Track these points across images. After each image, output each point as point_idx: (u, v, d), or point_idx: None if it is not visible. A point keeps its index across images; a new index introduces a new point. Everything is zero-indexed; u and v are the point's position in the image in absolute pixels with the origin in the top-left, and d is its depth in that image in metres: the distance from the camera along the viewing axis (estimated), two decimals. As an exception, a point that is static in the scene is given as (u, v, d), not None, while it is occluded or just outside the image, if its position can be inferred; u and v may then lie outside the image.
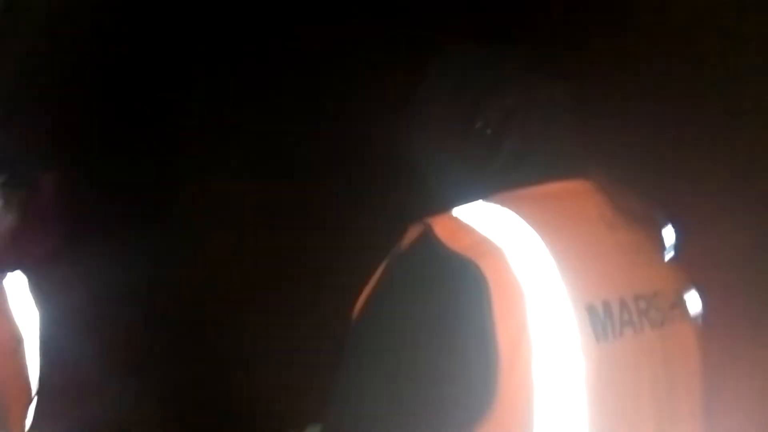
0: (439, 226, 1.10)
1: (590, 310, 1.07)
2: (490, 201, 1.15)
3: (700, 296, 1.28)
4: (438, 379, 1.04)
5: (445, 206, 1.16)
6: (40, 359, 1.41)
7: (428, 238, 1.09)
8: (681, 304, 1.22)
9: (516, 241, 1.08)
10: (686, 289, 1.26)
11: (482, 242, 1.08)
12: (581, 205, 1.19)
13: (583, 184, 1.21)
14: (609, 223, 1.18)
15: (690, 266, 1.29)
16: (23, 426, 1.41)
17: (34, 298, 1.43)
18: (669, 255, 1.27)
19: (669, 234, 1.27)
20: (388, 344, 1.06)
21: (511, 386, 1.03)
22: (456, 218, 1.12)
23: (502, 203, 1.14)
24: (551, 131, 1.22)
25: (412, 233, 1.12)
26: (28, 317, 1.42)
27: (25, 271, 1.37)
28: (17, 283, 1.41)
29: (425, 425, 1.04)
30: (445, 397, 1.04)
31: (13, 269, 1.34)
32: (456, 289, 1.05)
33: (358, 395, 1.07)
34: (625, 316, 1.11)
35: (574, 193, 1.20)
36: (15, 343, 1.37)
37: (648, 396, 1.12)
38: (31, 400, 1.41)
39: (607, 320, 1.08)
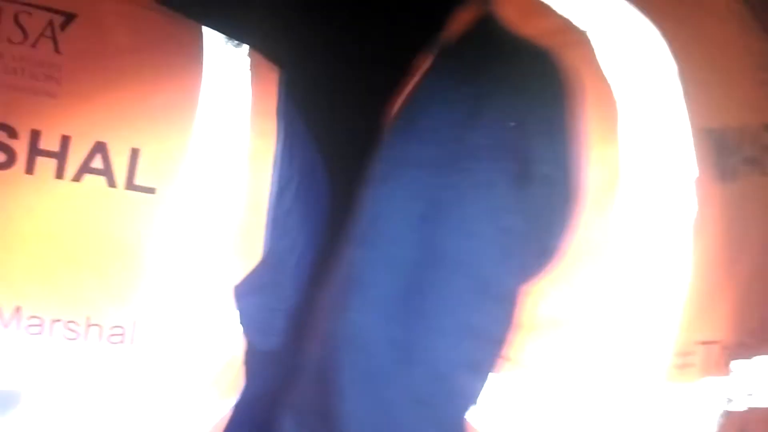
0: (503, 4, 0.82)
1: (712, 137, 0.80)
2: None
3: None
4: (482, 226, 0.79)
5: None
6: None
7: (489, 21, 0.81)
8: None
9: (615, 30, 0.79)
10: None
11: (565, 28, 0.79)
12: None
13: None
14: (739, 22, 0.88)
15: None
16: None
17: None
18: None
19: None
20: (432, 162, 0.80)
21: (593, 229, 0.77)
22: None
23: None
24: None
25: (465, 16, 0.84)
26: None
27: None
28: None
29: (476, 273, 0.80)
30: (489, 249, 0.79)
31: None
32: (527, 91, 0.78)
33: (380, 240, 0.82)
34: (746, 151, 0.83)
35: None
36: None
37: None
38: None
39: (730, 153, 0.81)
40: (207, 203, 0.91)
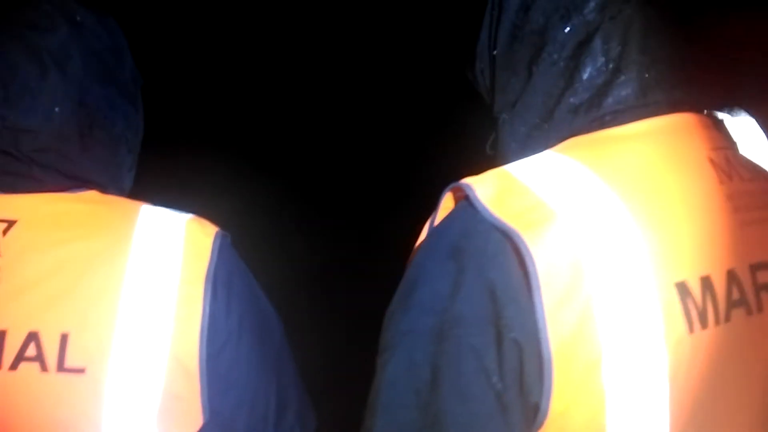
0: (481, 187, 0.90)
1: (682, 290, 0.85)
2: (559, 151, 0.93)
3: None
4: (474, 388, 0.86)
5: (499, 160, 0.96)
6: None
7: (467, 203, 0.89)
8: None
9: (582, 203, 0.87)
10: None
11: (535, 207, 0.86)
12: (683, 149, 0.94)
13: (690, 119, 0.96)
14: (723, 170, 0.93)
15: None
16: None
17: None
18: None
19: None
20: (417, 345, 0.88)
21: (568, 394, 0.84)
22: (507, 175, 0.91)
23: (572, 152, 0.92)
24: (648, 48, 0.95)
25: (451, 198, 0.93)
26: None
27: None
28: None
29: None
30: (484, 408, 0.86)
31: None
32: (498, 266, 0.85)
33: (389, 406, 0.89)
34: (734, 295, 0.88)
35: (675, 131, 0.95)
36: None
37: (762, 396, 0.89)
38: None
39: (706, 302, 0.86)
40: (137, 376, 0.96)
